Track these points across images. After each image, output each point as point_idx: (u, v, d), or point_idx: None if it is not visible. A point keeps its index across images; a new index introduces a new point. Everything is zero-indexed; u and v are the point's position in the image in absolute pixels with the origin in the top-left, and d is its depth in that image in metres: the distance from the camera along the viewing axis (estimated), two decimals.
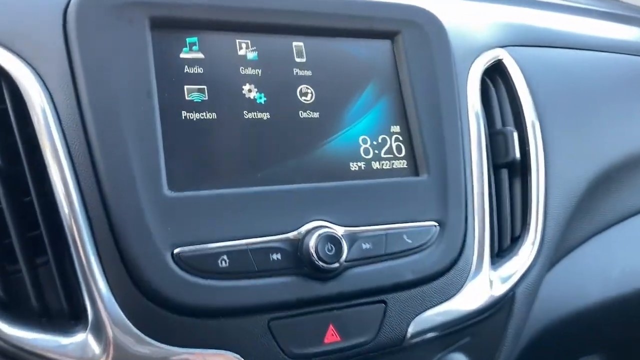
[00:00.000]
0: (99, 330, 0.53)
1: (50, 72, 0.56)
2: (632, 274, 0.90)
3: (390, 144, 0.67)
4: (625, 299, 0.90)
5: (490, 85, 0.79)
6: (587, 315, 0.88)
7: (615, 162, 0.87)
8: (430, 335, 0.65)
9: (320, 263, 0.57)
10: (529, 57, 0.85)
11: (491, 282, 0.70)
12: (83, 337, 0.53)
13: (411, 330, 0.63)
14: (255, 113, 0.61)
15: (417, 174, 0.67)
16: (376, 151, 0.66)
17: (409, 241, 0.63)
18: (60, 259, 0.54)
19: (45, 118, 0.55)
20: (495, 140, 0.76)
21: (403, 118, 0.68)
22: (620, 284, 0.89)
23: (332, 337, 0.59)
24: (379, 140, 0.66)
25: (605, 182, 0.86)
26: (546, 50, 0.90)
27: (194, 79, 0.60)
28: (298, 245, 0.58)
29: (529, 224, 0.75)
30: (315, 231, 0.58)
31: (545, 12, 1.11)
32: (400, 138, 0.68)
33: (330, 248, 0.58)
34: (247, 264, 0.56)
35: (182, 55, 0.60)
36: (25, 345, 0.52)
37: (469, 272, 0.68)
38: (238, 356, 0.55)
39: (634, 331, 1.03)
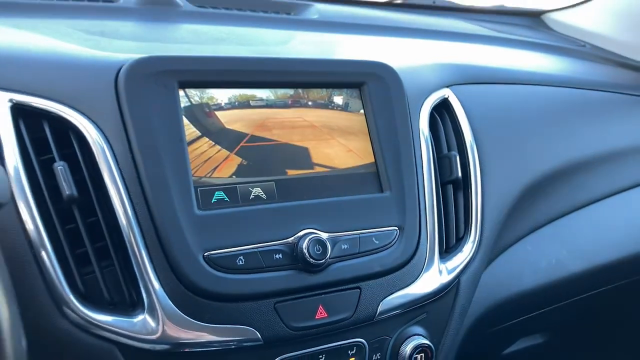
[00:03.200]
0: (153, 313, 0.71)
1: (107, 125, 0.71)
2: (557, 264, 1.11)
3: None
4: (553, 286, 1.11)
5: (438, 118, 0.95)
6: (523, 299, 1.08)
7: (539, 177, 1.06)
8: (394, 312, 0.83)
9: (311, 260, 0.73)
10: (470, 94, 1.04)
11: (441, 272, 0.87)
12: (142, 318, 0.69)
13: (380, 309, 0.80)
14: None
15: (382, 191, 0.83)
16: None
17: (377, 242, 0.80)
18: (122, 262, 0.73)
19: (106, 160, 0.72)
20: (442, 163, 0.92)
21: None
22: (547, 273, 1.10)
23: (321, 314, 0.76)
24: None
25: (532, 192, 1.05)
26: (484, 87, 1.10)
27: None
28: (294, 247, 0.75)
29: (470, 227, 0.93)
30: (307, 236, 0.74)
31: (485, 49, 1.32)
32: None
33: (318, 249, 0.74)
34: (257, 262, 0.73)
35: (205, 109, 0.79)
36: (103, 324, 0.71)
37: (423, 265, 0.84)
38: (253, 329, 0.73)
39: (565, 313, 1.23)
